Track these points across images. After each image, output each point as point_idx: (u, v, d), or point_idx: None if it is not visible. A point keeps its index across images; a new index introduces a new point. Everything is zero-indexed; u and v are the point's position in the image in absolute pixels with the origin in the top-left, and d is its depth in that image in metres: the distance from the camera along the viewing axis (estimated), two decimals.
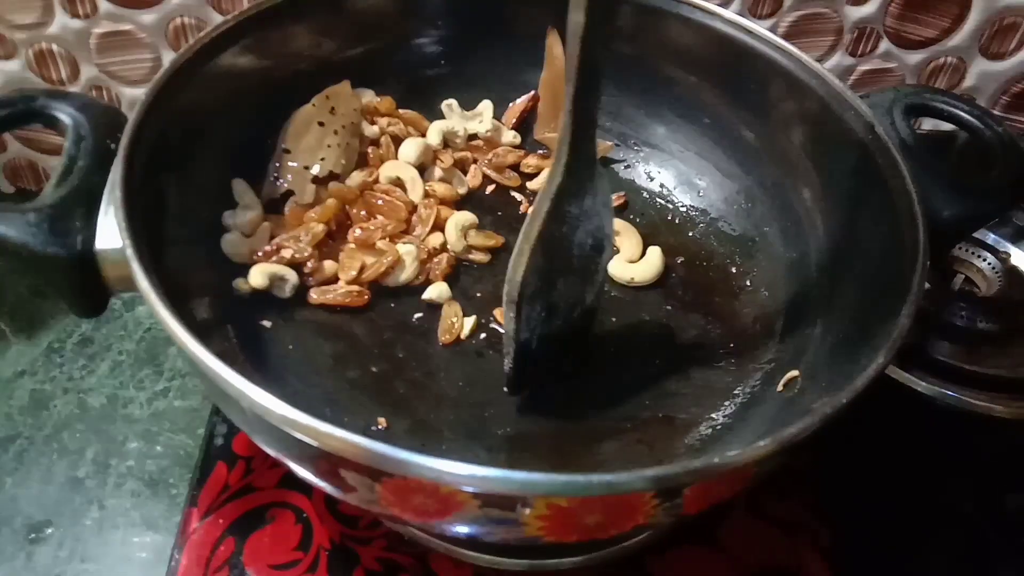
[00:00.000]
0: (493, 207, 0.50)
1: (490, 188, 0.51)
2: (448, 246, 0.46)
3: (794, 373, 0.40)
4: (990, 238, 0.55)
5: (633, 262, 0.47)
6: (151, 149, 0.37)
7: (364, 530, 0.43)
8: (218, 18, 0.54)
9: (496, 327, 0.44)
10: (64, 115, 0.37)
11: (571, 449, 0.39)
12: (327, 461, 0.29)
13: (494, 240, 0.47)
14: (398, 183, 0.47)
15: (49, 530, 0.43)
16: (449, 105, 0.51)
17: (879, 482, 0.47)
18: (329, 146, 0.46)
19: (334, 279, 0.44)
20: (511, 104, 0.53)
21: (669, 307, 0.46)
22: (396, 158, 0.48)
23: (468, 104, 0.52)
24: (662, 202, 0.51)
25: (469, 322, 0.43)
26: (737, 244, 0.48)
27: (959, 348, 0.49)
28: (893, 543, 0.45)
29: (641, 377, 0.42)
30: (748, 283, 0.47)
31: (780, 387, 0.40)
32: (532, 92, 0.53)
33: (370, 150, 0.48)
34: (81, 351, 0.52)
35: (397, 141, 0.49)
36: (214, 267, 0.42)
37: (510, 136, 0.52)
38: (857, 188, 0.41)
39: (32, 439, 0.47)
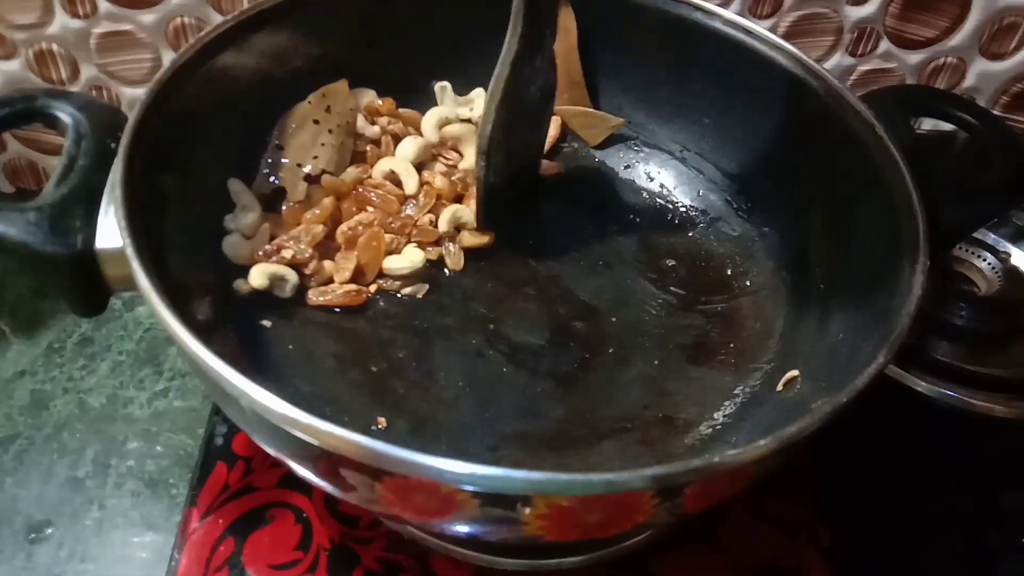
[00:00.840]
0: None
1: None
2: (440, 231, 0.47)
3: (794, 373, 0.40)
4: (990, 238, 0.55)
5: None
6: (151, 149, 0.37)
7: (364, 530, 0.43)
8: (218, 18, 0.54)
9: (495, 327, 0.44)
10: (64, 115, 0.37)
11: (571, 448, 0.39)
12: (327, 460, 0.29)
13: (482, 240, 0.47)
14: (392, 177, 0.47)
15: (49, 530, 0.43)
16: (443, 87, 0.51)
17: (879, 482, 0.47)
18: (323, 145, 0.46)
19: (333, 279, 0.44)
20: None
21: (669, 307, 0.46)
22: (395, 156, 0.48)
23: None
24: (662, 202, 0.51)
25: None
26: (737, 244, 0.48)
27: (959, 348, 0.49)
28: (893, 543, 0.45)
29: (641, 377, 0.42)
30: (748, 283, 0.47)
31: (780, 387, 0.40)
32: None
33: (368, 148, 0.48)
34: (81, 351, 0.52)
35: (397, 140, 0.49)
36: (214, 267, 0.42)
37: None
38: (857, 188, 0.41)
39: (32, 439, 0.47)
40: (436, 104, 0.51)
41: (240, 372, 0.28)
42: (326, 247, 0.44)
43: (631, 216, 0.50)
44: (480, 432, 0.39)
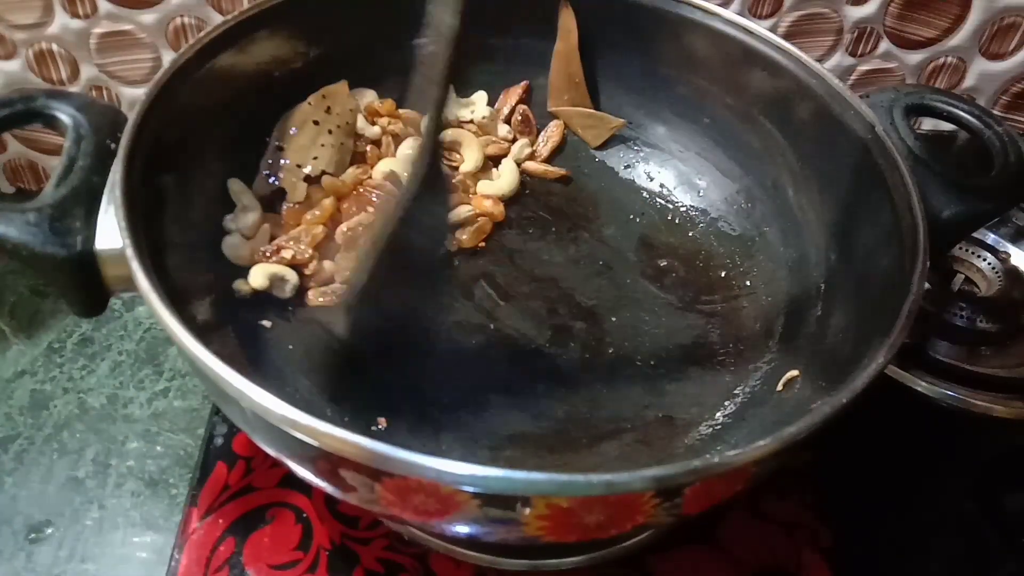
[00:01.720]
0: None
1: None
2: None
3: (794, 373, 0.40)
4: (990, 238, 0.55)
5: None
6: (151, 149, 0.37)
7: (364, 530, 0.43)
8: (218, 18, 0.54)
9: (494, 327, 0.44)
10: (64, 115, 0.37)
11: (571, 449, 0.39)
12: (327, 461, 0.29)
13: (478, 240, 0.47)
14: (393, 178, 0.47)
15: (49, 530, 0.43)
16: None
17: (879, 482, 0.47)
18: (323, 145, 0.46)
19: (333, 279, 0.44)
20: (504, 91, 0.53)
21: (669, 307, 0.46)
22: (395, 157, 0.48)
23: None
24: (662, 202, 0.51)
25: None
26: (737, 244, 0.48)
27: (959, 348, 0.49)
28: (893, 543, 0.44)
29: (641, 377, 0.42)
30: (748, 283, 0.47)
31: (780, 387, 0.40)
32: (525, 82, 0.53)
33: (368, 148, 0.48)
34: (81, 351, 0.52)
35: (398, 140, 0.49)
36: (214, 267, 0.42)
37: (504, 130, 0.52)
38: (857, 188, 0.41)
39: (32, 439, 0.47)
40: None
41: (240, 372, 0.28)
42: (326, 247, 0.44)
43: (631, 216, 0.50)
44: (480, 432, 0.39)
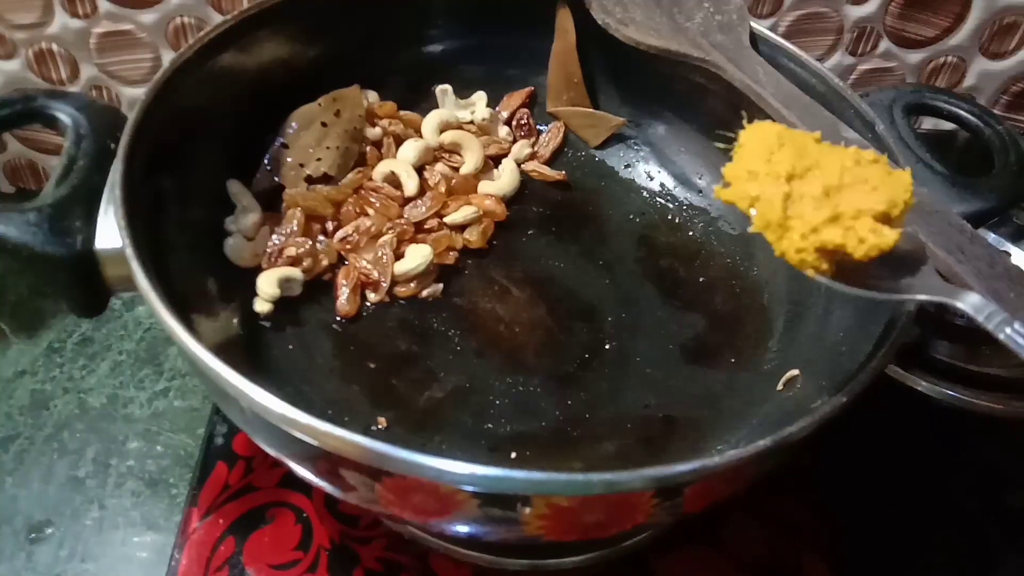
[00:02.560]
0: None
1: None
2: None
3: (794, 373, 0.40)
4: (990, 238, 0.55)
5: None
6: (151, 149, 0.37)
7: (364, 530, 0.43)
8: (218, 18, 0.54)
9: (494, 327, 0.44)
10: (64, 115, 0.37)
11: (571, 448, 0.39)
12: (327, 461, 0.29)
13: (485, 240, 0.47)
14: (392, 179, 0.47)
15: (49, 530, 0.44)
16: (444, 91, 0.51)
17: (879, 482, 0.47)
18: (328, 148, 0.46)
19: (328, 269, 0.44)
20: (507, 95, 0.53)
21: (669, 307, 0.46)
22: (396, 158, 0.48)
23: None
24: (662, 202, 0.51)
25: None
26: (737, 244, 0.48)
27: (959, 348, 0.48)
28: (894, 542, 0.44)
29: (641, 377, 0.42)
30: (748, 283, 0.47)
31: (780, 387, 0.40)
32: (529, 88, 0.53)
33: (368, 149, 0.48)
34: (81, 351, 0.52)
35: (399, 141, 0.49)
36: (214, 267, 0.42)
37: (504, 132, 0.52)
38: None
39: (32, 439, 0.47)
40: (437, 106, 0.51)
41: (240, 372, 0.28)
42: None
43: (631, 216, 0.50)
44: (480, 432, 0.39)
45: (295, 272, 0.42)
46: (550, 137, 0.52)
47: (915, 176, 0.31)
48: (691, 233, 0.49)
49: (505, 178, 0.50)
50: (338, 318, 0.43)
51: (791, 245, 0.28)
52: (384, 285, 0.43)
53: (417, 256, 0.44)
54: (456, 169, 0.49)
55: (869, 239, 0.27)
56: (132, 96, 0.57)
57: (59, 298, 0.36)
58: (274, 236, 0.43)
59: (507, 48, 0.52)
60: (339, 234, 0.45)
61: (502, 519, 0.29)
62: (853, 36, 0.60)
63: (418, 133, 0.50)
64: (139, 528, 0.44)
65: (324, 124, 0.46)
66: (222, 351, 0.30)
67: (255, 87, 0.45)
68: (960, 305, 0.28)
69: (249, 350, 0.40)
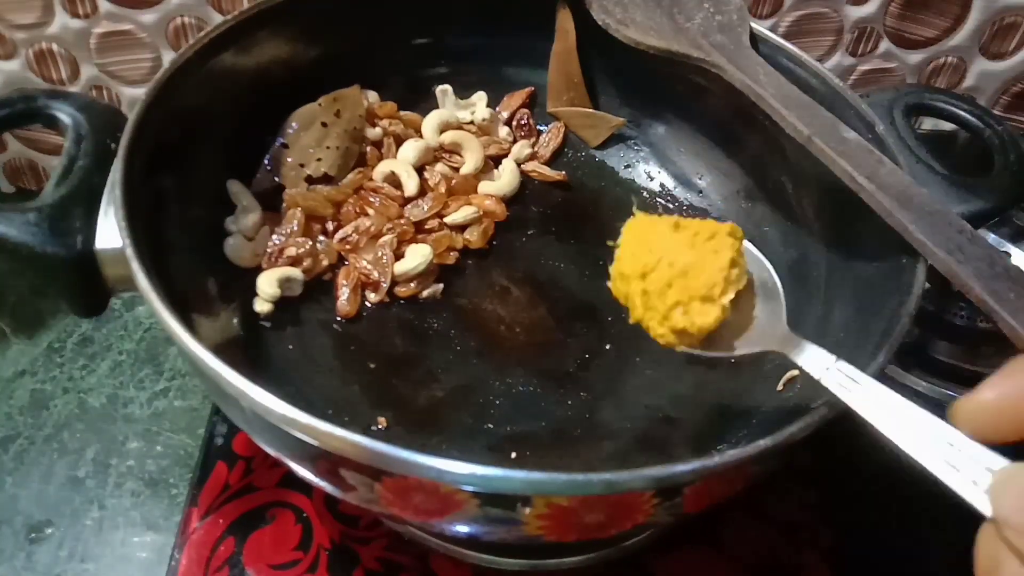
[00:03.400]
0: None
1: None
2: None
3: (794, 373, 0.40)
4: (990, 238, 0.54)
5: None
6: (151, 149, 0.37)
7: (364, 530, 0.43)
8: (218, 18, 0.54)
9: (494, 327, 0.44)
10: (64, 115, 0.37)
11: (571, 448, 0.39)
12: (327, 460, 0.29)
13: (486, 240, 0.47)
14: (393, 179, 0.47)
15: (49, 530, 0.44)
16: (444, 91, 0.51)
17: (880, 482, 0.47)
18: (328, 148, 0.46)
19: (328, 269, 0.44)
20: (508, 95, 0.53)
21: None
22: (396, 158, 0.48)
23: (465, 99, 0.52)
24: (662, 202, 0.51)
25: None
26: None
27: (959, 348, 0.48)
28: (893, 543, 0.44)
29: (641, 377, 0.42)
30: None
31: (780, 387, 0.40)
32: (530, 88, 0.53)
33: (369, 149, 0.48)
34: (81, 351, 0.52)
35: (399, 141, 0.49)
36: (214, 267, 0.42)
37: (504, 132, 0.52)
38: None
39: (32, 439, 0.47)
40: (437, 106, 0.51)
41: (240, 372, 0.28)
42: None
43: (631, 216, 0.50)
44: (480, 432, 0.39)
45: (295, 272, 0.42)
46: (550, 137, 0.52)
47: (915, 176, 0.31)
48: None
49: (505, 178, 0.50)
50: (338, 318, 0.43)
51: (656, 331, 0.33)
52: (384, 285, 0.43)
53: (417, 256, 0.44)
54: (456, 169, 0.49)
55: (696, 320, 0.32)
56: (132, 96, 0.57)
57: (59, 298, 0.36)
58: (274, 236, 0.43)
59: (507, 48, 0.52)
60: (339, 234, 0.45)
61: (502, 519, 0.29)
62: (853, 37, 0.60)
63: (418, 133, 0.50)
64: (139, 528, 0.44)
65: (324, 124, 0.46)
66: (222, 351, 0.30)
67: (255, 87, 0.45)
68: (796, 359, 0.32)
69: (249, 350, 0.40)
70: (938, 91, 0.45)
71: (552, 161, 0.52)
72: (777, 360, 0.42)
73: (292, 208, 0.44)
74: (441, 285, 0.45)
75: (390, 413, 0.40)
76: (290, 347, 0.42)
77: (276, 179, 0.45)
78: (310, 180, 0.45)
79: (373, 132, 0.48)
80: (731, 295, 0.32)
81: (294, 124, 0.46)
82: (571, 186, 0.51)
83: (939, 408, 0.48)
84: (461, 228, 0.47)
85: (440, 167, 0.49)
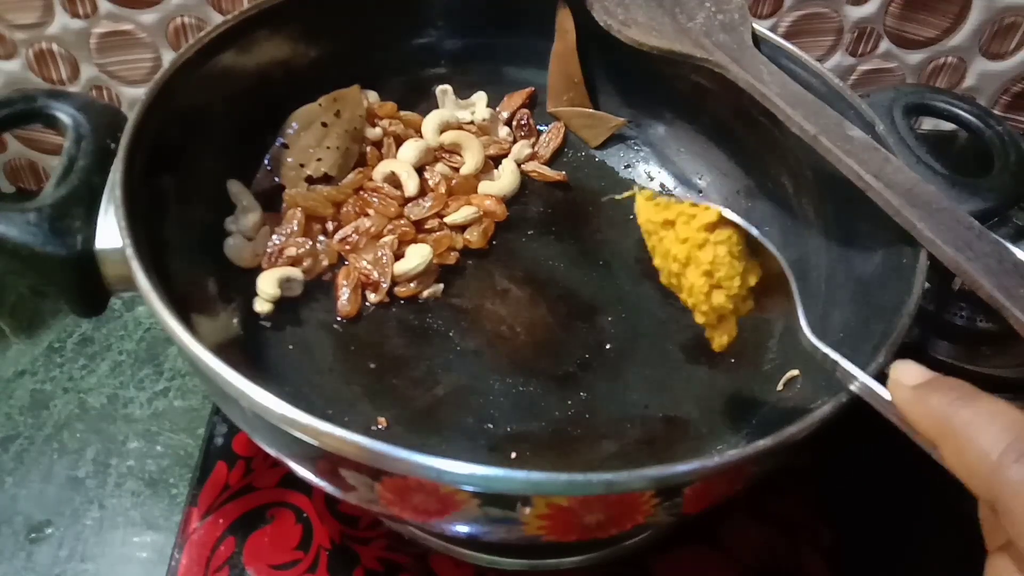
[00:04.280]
0: None
1: None
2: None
3: (794, 373, 0.40)
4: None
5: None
6: (151, 149, 0.37)
7: (364, 530, 0.43)
8: (218, 18, 0.54)
9: (494, 327, 0.44)
10: (64, 115, 0.37)
11: (571, 448, 0.39)
12: (327, 460, 0.29)
13: (486, 240, 0.47)
14: (393, 179, 0.47)
15: (49, 530, 0.44)
16: (444, 91, 0.51)
17: (880, 482, 0.47)
18: (328, 148, 0.46)
19: (328, 269, 0.44)
20: (508, 96, 0.53)
21: (669, 306, 0.46)
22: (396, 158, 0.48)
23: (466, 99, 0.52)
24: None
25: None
26: None
27: (959, 348, 0.48)
28: (893, 542, 0.44)
29: (641, 377, 0.42)
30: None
31: (780, 387, 0.40)
32: (530, 88, 0.53)
33: (369, 149, 0.48)
34: (81, 351, 0.52)
35: (399, 141, 0.49)
36: (214, 267, 0.42)
37: (504, 132, 0.52)
38: (857, 188, 0.41)
39: (32, 439, 0.47)
40: (437, 106, 0.51)
41: (240, 372, 0.28)
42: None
43: (631, 216, 0.50)
44: (480, 432, 0.39)
45: (295, 272, 0.42)
46: (550, 137, 0.52)
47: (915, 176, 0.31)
48: None
49: (505, 178, 0.50)
50: (338, 318, 0.43)
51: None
52: (384, 285, 0.43)
53: (417, 256, 0.44)
54: (456, 169, 0.49)
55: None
56: (132, 96, 0.57)
57: (59, 298, 0.36)
58: (274, 236, 0.43)
59: (507, 48, 0.52)
60: (339, 234, 0.45)
61: (502, 519, 0.29)
62: (853, 37, 0.60)
63: (418, 133, 0.50)
64: (139, 528, 0.44)
65: (324, 124, 0.46)
66: (222, 351, 0.30)
67: (255, 87, 0.45)
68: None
69: (249, 350, 0.40)
70: (938, 91, 0.45)
71: (552, 161, 0.52)
72: (777, 360, 0.42)
73: (292, 208, 0.44)
74: (441, 285, 0.45)
75: (390, 413, 0.40)
76: (290, 347, 0.42)
77: (276, 179, 0.45)
78: (310, 180, 0.45)
79: (373, 132, 0.48)
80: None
81: (294, 124, 0.46)
82: (571, 186, 0.51)
83: None
84: (461, 228, 0.47)
85: (440, 167, 0.49)
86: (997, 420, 0.24)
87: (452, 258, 0.46)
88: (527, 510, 0.28)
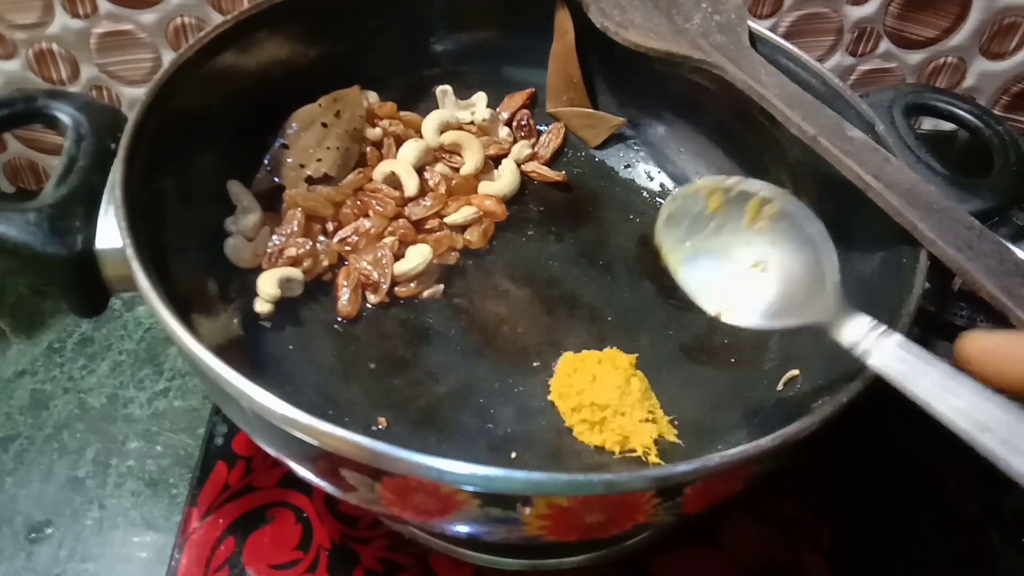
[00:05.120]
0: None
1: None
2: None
3: (794, 373, 0.40)
4: None
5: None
6: (151, 149, 0.37)
7: (364, 530, 0.43)
8: (218, 18, 0.54)
9: (494, 327, 0.44)
10: (64, 115, 0.37)
11: (572, 448, 0.39)
12: (327, 461, 0.29)
13: (486, 240, 0.47)
14: (393, 179, 0.47)
15: (49, 530, 0.43)
16: (444, 91, 0.51)
17: (880, 482, 0.47)
18: (328, 148, 0.46)
19: (328, 270, 0.44)
20: (508, 96, 0.53)
21: (669, 306, 0.46)
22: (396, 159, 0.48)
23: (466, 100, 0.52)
24: (662, 202, 0.51)
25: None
26: None
27: None
28: (893, 542, 0.45)
29: None
30: None
31: (780, 387, 0.40)
32: (530, 89, 0.53)
33: (369, 150, 0.48)
34: (81, 351, 0.52)
35: (399, 142, 0.49)
36: (214, 267, 0.42)
37: (504, 132, 0.52)
38: (857, 188, 0.41)
39: (32, 439, 0.47)
40: (437, 107, 0.51)
41: (240, 372, 0.28)
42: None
43: (631, 216, 0.50)
44: (480, 432, 0.39)
45: (295, 272, 0.42)
46: (550, 138, 0.52)
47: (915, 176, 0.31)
48: None
49: (505, 178, 0.50)
50: (339, 318, 0.43)
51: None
52: (384, 286, 0.43)
53: (417, 256, 0.44)
54: (456, 170, 0.49)
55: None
56: (132, 96, 0.57)
57: (59, 298, 0.36)
58: (274, 237, 0.43)
59: (507, 48, 0.52)
60: (339, 235, 0.45)
61: (503, 519, 0.29)
62: (853, 37, 0.60)
63: (418, 133, 0.50)
64: (139, 528, 0.44)
65: (324, 125, 0.46)
66: (222, 351, 0.30)
67: (255, 87, 0.45)
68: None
69: (249, 350, 0.40)
70: (938, 91, 0.45)
71: (552, 161, 0.52)
72: (777, 360, 0.42)
73: (292, 208, 0.44)
74: (441, 286, 0.45)
75: (390, 413, 0.40)
76: (290, 347, 0.42)
77: (276, 179, 0.45)
78: (310, 180, 0.45)
79: (373, 132, 0.48)
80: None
81: (294, 124, 0.46)
82: (571, 186, 0.51)
83: None
84: (461, 228, 0.47)
85: (440, 167, 0.49)
86: None
87: (452, 258, 0.46)
88: (527, 510, 0.28)
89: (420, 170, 0.48)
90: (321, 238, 0.45)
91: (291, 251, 0.43)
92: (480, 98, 0.52)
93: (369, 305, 0.44)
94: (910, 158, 0.40)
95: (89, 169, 0.35)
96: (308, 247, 0.43)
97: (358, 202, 0.46)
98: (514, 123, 0.52)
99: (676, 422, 0.40)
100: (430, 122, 0.50)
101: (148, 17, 0.54)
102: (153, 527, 0.44)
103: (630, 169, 0.52)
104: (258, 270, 0.42)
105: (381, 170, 0.47)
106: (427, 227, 0.46)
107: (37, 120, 0.38)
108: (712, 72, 0.43)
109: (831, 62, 0.62)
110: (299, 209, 0.44)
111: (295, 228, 0.43)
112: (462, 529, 0.31)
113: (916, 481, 0.47)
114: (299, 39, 0.46)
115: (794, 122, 0.39)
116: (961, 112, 0.43)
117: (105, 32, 0.54)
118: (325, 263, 0.44)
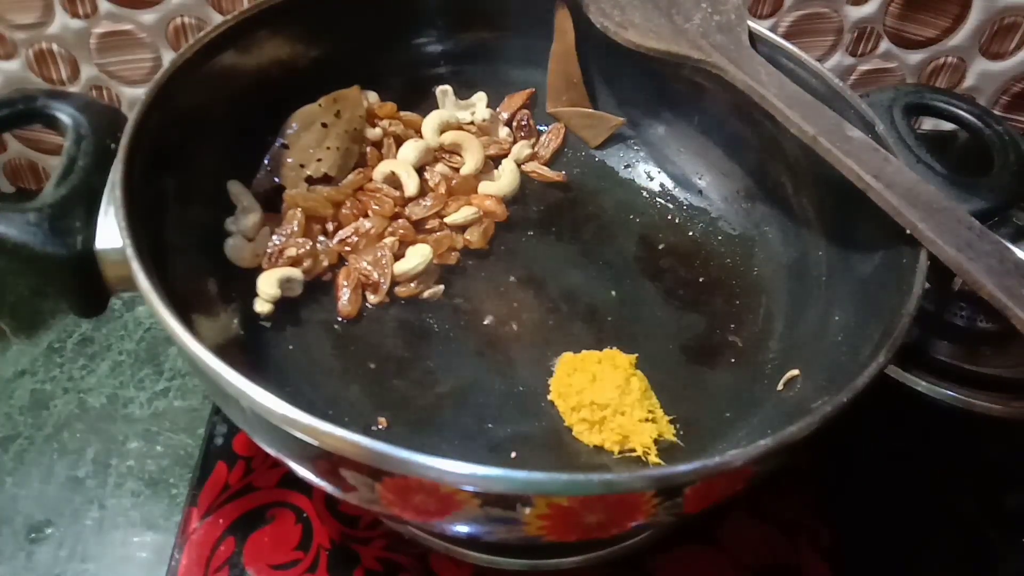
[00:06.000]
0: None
1: None
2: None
3: (794, 373, 0.40)
4: None
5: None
6: (151, 149, 0.37)
7: (364, 530, 0.43)
8: (218, 18, 0.54)
9: (494, 327, 0.44)
10: (64, 115, 0.37)
11: (572, 448, 0.39)
12: (327, 461, 0.29)
13: (486, 241, 0.47)
14: (393, 179, 0.47)
15: (49, 530, 0.44)
16: (444, 91, 0.51)
17: (880, 482, 0.47)
18: (328, 148, 0.46)
19: (328, 270, 0.44)
20: (508, 96, 0.53)
21: (669, 306, 0.46)
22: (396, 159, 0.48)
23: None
24: (662, 202, 0.51)
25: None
26: (737, 244, 0.48)
27: (959, 348, 0.48)
28: (893, 543, 0.45)
29: None
30: (748, 283, 0.47)
31: (780, 387, 0.40)
32: (530, 89, 0.53)
33: (369, 150, 0.48)
34: (81, 351, 0.52)
35: (399, 142, 0.49)
36: (214, 267, 0.42)
37: (504, 132, 0.52)
38: (857, 188, 0.41)
39: (32, 439, 0.47)
40: (437, 107, 0.51)
41: (240, 372, 0.28)
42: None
43: (631, 216, 0.50)
44: (480, 432, 0.39)
45: (295, 272, 0.42)
46: (550, 138, 0.52)
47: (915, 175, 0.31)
48: (691, 233, 0.49)
49: (505, 178, 0.50)
50: (339, 318, 0.43)
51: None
52: (384, 287, 0.43)
53: (417, 256, 0.44)
54: (456, 170, 0.49)
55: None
56: (132, 96, 0.57)
57: (59, 298, 0.36)
58: (274, 237, 0.43)
59: (507, 48, 0.52)
60: (339, 235, 0.45)
61: (502, 519, 0.29)
62: (853, 37, 0.60)
63: (418, 134, 0.50)
64: (139, 528, 0.44)
65: (324, 125, 0.46)
66: (222, 351, 0.30)
67: (255, 87, 0.45)
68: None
69: (249, 350, 0.40)
70: (938, 91, 0.45)
71: (552, 161, 0.52)
72: (777, 360, 0.42)
73: (292, 208, 0.44)
74: (442, 286, 0.45)
75: (390, 413, 0.40)
76: (290, 347, 0.42)
77: (276, 179, 0.45)
78: (310, 180, 0.45)
79: (373, 132, 0.48)
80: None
81: (294, 124, 0.46)
82: (571, 186, 0.51)
83: (939, 410, 0.48)
84: (461, 228, 0.47)
85: (440, 167, 0.49)
86: None
87: (452, 258, 0.46)
88: (527, 510, 0.28)
89: (420, 170, 0.48)
90: (321, 238, 0.45)
91: (291, 251, 0.43)
92: (480, 98, 0.52)
93: (369, 305, 0.44)
94: (910, 158, 0.40)
95: (89, 169, 0.35)
96: (308, 247, 0.43)
97: (358, 202, 0.46)
98: (514, 123, 0.52)
99: (676, 422, 0.40)
100: (430, 122, 0.50)
101: (148, 17, 0.54)
102: (153, 527, 0.44)
103: (630, 169, 0.52)
104: (258, 270, 0.42)
105: (381, 170, 0.47)
106: (427, 227, 0.46)
107: (37, 120, 0.38)
108: (712, 72, 0.43)
109: (831, 62, 0.62)
110: (299, 209, 0.44)
111: (295, 228, 0.43)
112: (462, 529, 0.31)
113: (916, 481, 0.47)
114: (299, 39, 0.46)
115: (794, 122, 0.39)
116: (961, 112, 0.43)
117: (105, 32, 0.54)
118: (325, 263, 0.44)
